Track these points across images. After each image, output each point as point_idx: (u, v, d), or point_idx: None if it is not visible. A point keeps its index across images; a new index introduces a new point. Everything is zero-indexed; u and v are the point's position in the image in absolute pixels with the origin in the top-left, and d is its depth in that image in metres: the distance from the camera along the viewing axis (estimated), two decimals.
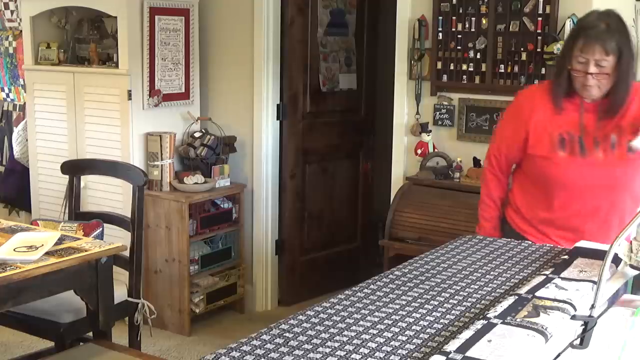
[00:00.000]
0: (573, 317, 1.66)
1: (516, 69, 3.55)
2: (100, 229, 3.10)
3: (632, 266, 1.93)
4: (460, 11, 3.66)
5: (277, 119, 4.55)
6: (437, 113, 3.84)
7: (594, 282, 1.68)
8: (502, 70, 3.58)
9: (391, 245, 3.64)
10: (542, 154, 2.56)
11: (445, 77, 3.77)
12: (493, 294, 1.95)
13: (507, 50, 3.56)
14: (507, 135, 2.70)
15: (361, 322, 1.75)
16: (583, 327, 1.58)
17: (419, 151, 3.81)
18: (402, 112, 3.95)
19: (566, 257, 2.17)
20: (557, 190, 2.58)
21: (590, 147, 2.52)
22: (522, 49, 3.52)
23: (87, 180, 4.20)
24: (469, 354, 1.46)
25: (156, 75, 4.25)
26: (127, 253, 3.05)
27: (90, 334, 3.01)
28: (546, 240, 2.60)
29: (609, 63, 2.42)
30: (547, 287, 1.85)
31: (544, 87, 2.66)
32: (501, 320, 1.63)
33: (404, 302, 1.89)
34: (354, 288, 2.00)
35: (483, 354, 1.46)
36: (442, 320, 1.77)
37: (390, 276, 2.10)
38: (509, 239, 2.53)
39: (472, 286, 2.02)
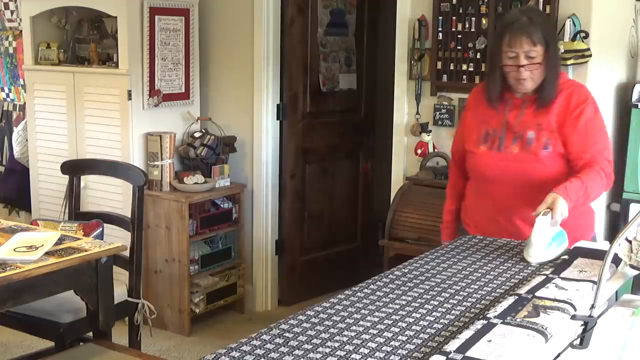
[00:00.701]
0: (573, 317, 1.66)
1: None
2: (100, 229, 3.10)
3: (632, 266, 1.93)
4: (460, 11, 3.66)
5: (277, 119, 4.54)
6: (437, 113, 3.84)
7: (594, 282, 1.68)
8: None
9: (391, 245, 3.64)
10: (469, 148, 2.72)
11: (445, 77, 3.77)
12: (493, 294, 1.95)
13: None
14: (457, 132, 2.91)
15: (361, 322, 1.76)
16: (583, 327, 1.58)
17: (419, 151, 3.81)
18: (402, 112, 3.95)
19: (566, 257, 2.17)
20: (480, 182, 2.73)
21: (509, 142, 2.62)
22: None
23: (87, 180, 4.20)
24: (469, 354, 1.46)
25: (156, 75, 4.25)
26: (127, 253, 3.05)
27: (90, 334, 3.01)
28: (475, 228, 2.74)
29: (537, 53, 2.51)
30: (547, 287, 1.85)
31: (481, 86, 2.79)
32: (501, 320, 1.63)
33: (404, 302, 1.89)
34: (354, 288, 2.00)
35: (483, 354, 1.46)
36: (442, 320, 1.77)
37: (390, 276, 2.10)
38: (509, 239, 2.53)
39: (472, 286, 2.02)
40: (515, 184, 2.60)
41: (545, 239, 2.22)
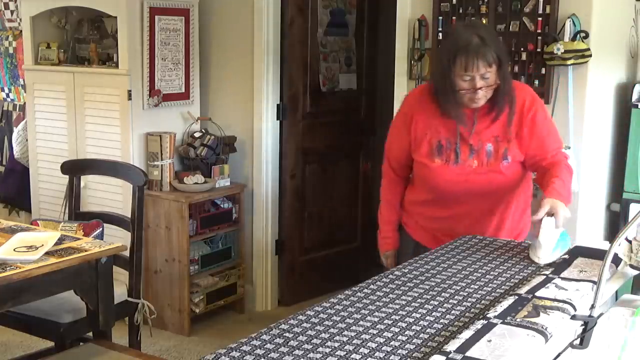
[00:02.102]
0: (573, 317, 1.66)
1: (516, 69, 3.54)
2: (100, 229, 3.10)
3: (632, 266, 1.93)
4: (460, 11, 3.66)
5: (277, 119, 4.54)
6: None
7: (594, 282, 1.68)
8: None
9: None
10: (421, 160, 2.62)
11: None
12: (493, 294, 1.95)
13: (507, 51, 3.56)
14: (395, 140, 2.76)
15: (361, 322, 1.76)
16: (583, 327, 1.58)
17: None
18: None
19: (566, 256, 2.17)
20: (436, 193, 2.65)
21: (465, 155, 2.55)
22: (522, 49, 3.52)
23: (87, 180, 4.20)
24: (469, 354, 1.46)
25: (156, 75, 4.25)
26: (127, 253, 3.05)
27: (90, 334, 3.01)
28: (427, 236, 2.73)
29: (492, 73, 2.45)
30: (547, 287, 1.85)
31: (425, 89, 2.67)
32: (501, 320, 1.63)
33: (404, 302, 1.89)
34: (354, 288, 2.00)
35: (483, 354, 1.46)
36: (442, 320, 1.77)
37: (390, 276, 2.10)
38: (509, 239, 2.53)
39: (472, 286, 2.02)
40: (474, 196, 2.59)
41: (552, 241, 2.26)
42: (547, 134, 2.60)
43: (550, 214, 2.30)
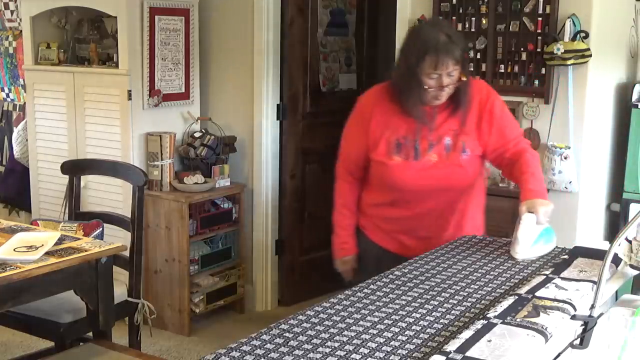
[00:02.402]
0: (573, 317, 1.66)
1: (516, 69, 3.55)
2: (100, 229, 3.10)
3: (632, 266, 1.93)
4: (460, 11, 3.66)
5: (277, 119, 4.54)
6: None
7: (594, 282, 1.68)
8: (502, 70, 3.58)
9: None
10: (379, 159, 2.58)
11: None
12: (493, 294, 1.95)
13: (507, 51, 3.56)
14: (351, 141, 2.72)
15: (361, 322, 1.76)
16: (583, 327, 1.58)
17: None
18: None
19: (566, 256, 2.17)
20: (395, 192, 2.61)
21: (425, 150, 2.53)
22: (522, 49, 3.52)
23: (87, 180, 4.20)
24: (469, 354, 1.46)
25: (156, 75, 4.25)
26: (127, 253, 3.05)
27: (90, 334, 3.01)
28: (387, 238, 2.69)
29: (457, 70, 2.46)
30: (547, 287, 1.85)
31: (383, 90, 2.65)
32: (501, 320, 1.63)
33: (404, 302, 1.89)
34: (354, 288, 2.00)
35: (483, 354, 1.46)
36: (442, 320, 1.77)
37: (390, 276, 2.10)
38: (510, 239, 2.53)
39: (472, 286, 2.02)
40: (436, 192, 2.57)
41: (531, 236, 2.27)
42: (507, 124, 2.61)
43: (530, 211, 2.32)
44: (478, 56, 3.64)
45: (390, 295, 1.94)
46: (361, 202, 2.76)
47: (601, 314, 1.58)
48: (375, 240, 2.73)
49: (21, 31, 4.71)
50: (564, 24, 3.37)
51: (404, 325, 1.74)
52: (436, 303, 1.89)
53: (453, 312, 1.82)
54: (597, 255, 2.06)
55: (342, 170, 2.77)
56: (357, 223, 2.77)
